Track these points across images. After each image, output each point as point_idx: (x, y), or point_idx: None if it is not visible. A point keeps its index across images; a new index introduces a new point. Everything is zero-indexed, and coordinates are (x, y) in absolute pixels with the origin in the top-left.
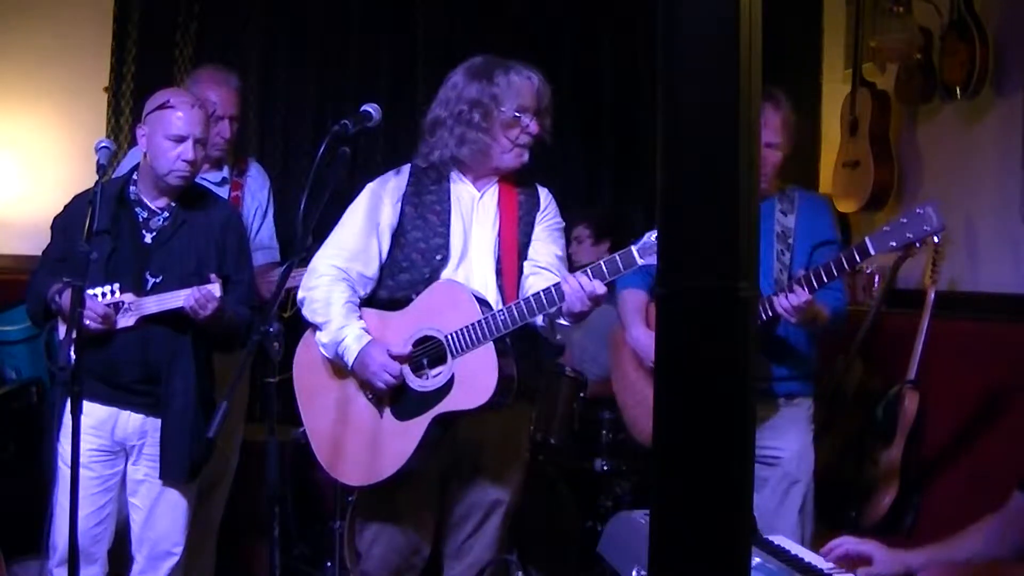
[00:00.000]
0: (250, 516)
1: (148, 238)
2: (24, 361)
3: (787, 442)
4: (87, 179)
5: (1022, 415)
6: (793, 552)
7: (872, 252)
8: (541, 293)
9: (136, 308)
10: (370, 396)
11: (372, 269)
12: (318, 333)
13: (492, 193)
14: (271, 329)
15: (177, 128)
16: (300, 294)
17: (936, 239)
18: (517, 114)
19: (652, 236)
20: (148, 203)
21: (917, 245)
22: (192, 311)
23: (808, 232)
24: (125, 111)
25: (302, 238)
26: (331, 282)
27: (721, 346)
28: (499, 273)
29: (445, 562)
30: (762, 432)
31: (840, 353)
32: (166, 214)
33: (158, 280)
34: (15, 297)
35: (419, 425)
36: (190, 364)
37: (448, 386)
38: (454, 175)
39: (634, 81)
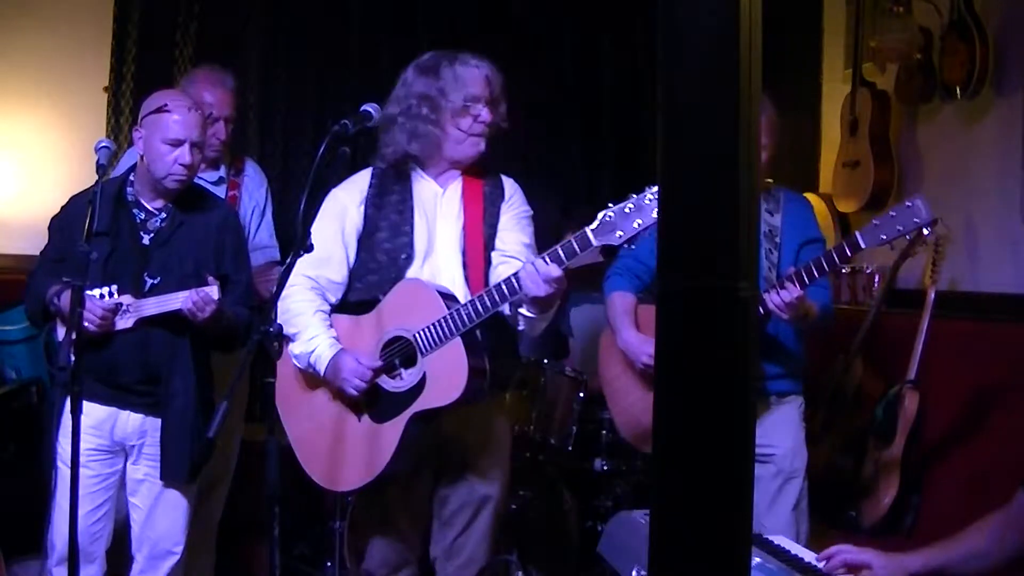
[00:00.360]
0: (250, 516)
1: (146, 239)
2: (24, 361)
3: (780, 439)
4: (87, 179)
5: (1022, 415)
6: (793, 552)
7: (863, 246)
8: (502, 283)
9: (135, 310)
10: (346, 403)
11: (341, 275)
12: (291, 344)
13: (455, 187)
14: (271, 329)
15: (174, 132)
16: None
17: (926, 231)
18: (467, 104)
19: (606, 215)
20: (145, 204)
21: (907, 238)
22: (190, 313)
23: (794, 231)
24: (125, 111)
25: (302, 238)
26: (301, 292)
27: (721, 346)
28: (465, 266)
29: (437, 564)
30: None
31: (840, 353)
32: (164, 215)
33: (156, 281)
34: (15, 297)
35: (397, 426)
36: (189, 364)
37: (421, 385)
38: (415, 173)
39: (634, 81)
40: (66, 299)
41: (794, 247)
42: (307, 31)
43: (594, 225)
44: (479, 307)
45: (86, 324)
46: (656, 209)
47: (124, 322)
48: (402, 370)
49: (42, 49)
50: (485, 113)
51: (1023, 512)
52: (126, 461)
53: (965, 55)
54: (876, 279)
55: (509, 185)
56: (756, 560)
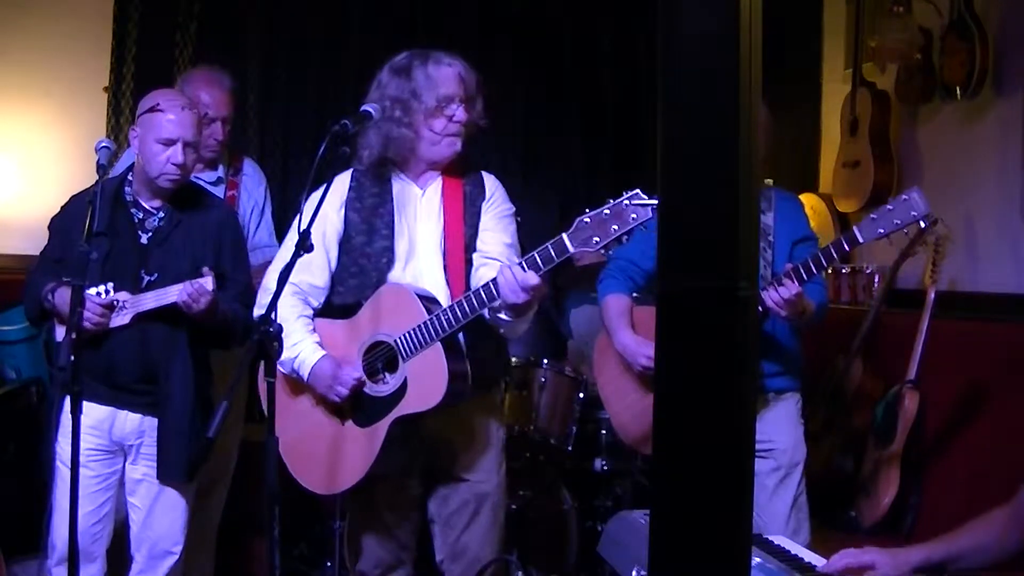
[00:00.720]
0: (250, 516)
1: (144, 238)
2: (24, 361)
3: (778, 436)
4: (87, 179)
5: (1022, 415)
6: (793, 552)
7: (861, 240)
8: (480, 288)
9: (131, 306)
10: (330, 407)
11: (323, 280)
12: None
13: (435, 188)
14: (271, 329)
15: (167, 131)
16: (255, 311)
17: (923, 224)
18: (440, 104)
19: (582, 220)
20: (144, 203)
21: (905, 232)
22: (185, 305)
23: (787, 229)
24: (125, 111)
25: (302, 238)
26: (283, 297)
27: (721, 346)
28: (446, 269)
29: (443, 566)
30: None
31: (840, 353)
32: (162, 214)
33: (153, 279)
34: (15, 297)
35: (380, 430)
36: (188, 363)
37: (403, 389)
38: (395, 175)
39: (634, 81)
40: (60, 296)
41: (787, 245)
42: (307, 31)
43: (571, 230)
44: (458, 313)
45: (83, 323)
46: (633, 213)
47: (121, 319)
48: (385, 374)
49: (42, 49)
50: (460, 112)
51: None
52: (125, 461)
53: (965, 55)
54: (876, 279)
55: (490, 182)
56: (756, 560)
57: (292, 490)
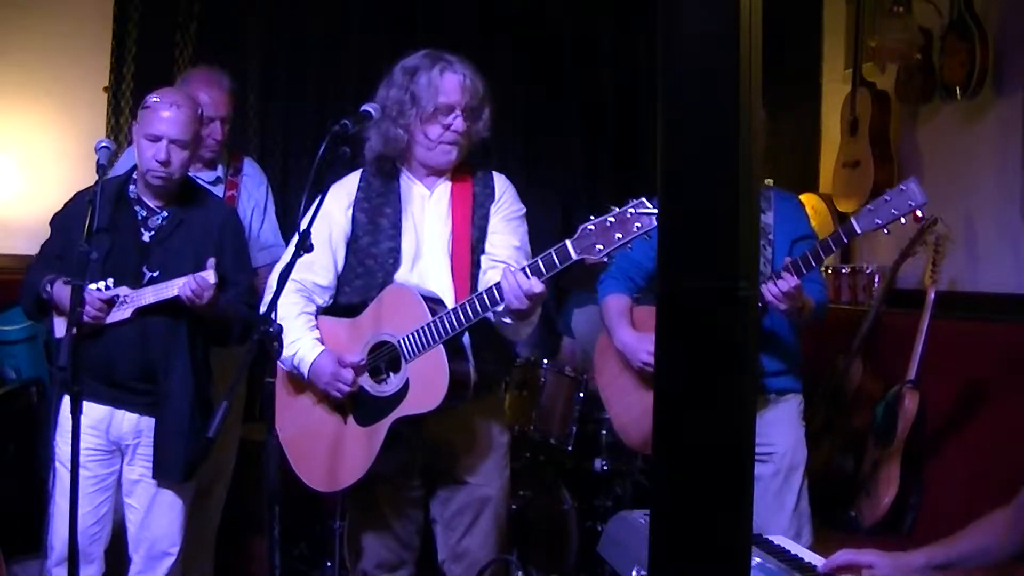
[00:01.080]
0: (250, 516)
1: (146, 236)
2: (24, 361)
3: (780, 438)
4: (87, 178)
5: (1022, 415)
6: (793, 552)
7: (858, 231)
8: (484, 292)
9: (132, 300)
10: (332, 405)
11: (328, 279)
12: None
13: (444, 189)
14: (271, 329)
15: (153, 128)
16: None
17: (919, 213)
18: (437, 112)
19: (586, 228)
20: (147, 202)
21: (902, 220)
22: (189, 300)
23: (786, 228)
24: (125, 111)
25: (302, 238)
26: (286, 294)
27: (721, 346)
28: (453, 270)
29: (445, 567)
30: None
31: (840, 353)
32: (165, 213)
33: (155, 275)
34: (15, 297)
35: (380, 430)
36: (188, 362)
37: (404, 390)
38: (403, 176)
39: (634, 81)
40: (58, 288)
41: (786, 244)
42: (307, 31)
43: (575, 237)
44: (461, 316)
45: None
46: (637, 223)
47: (122, 313)
48: (388, 374)
49: (42, 49)
50: (458, 123)
51: None
52: (123, 462)
53: (965, 55)
54: (876, 279)
55: (500, 183)
56: (756, 560)
57: (292, 489)
